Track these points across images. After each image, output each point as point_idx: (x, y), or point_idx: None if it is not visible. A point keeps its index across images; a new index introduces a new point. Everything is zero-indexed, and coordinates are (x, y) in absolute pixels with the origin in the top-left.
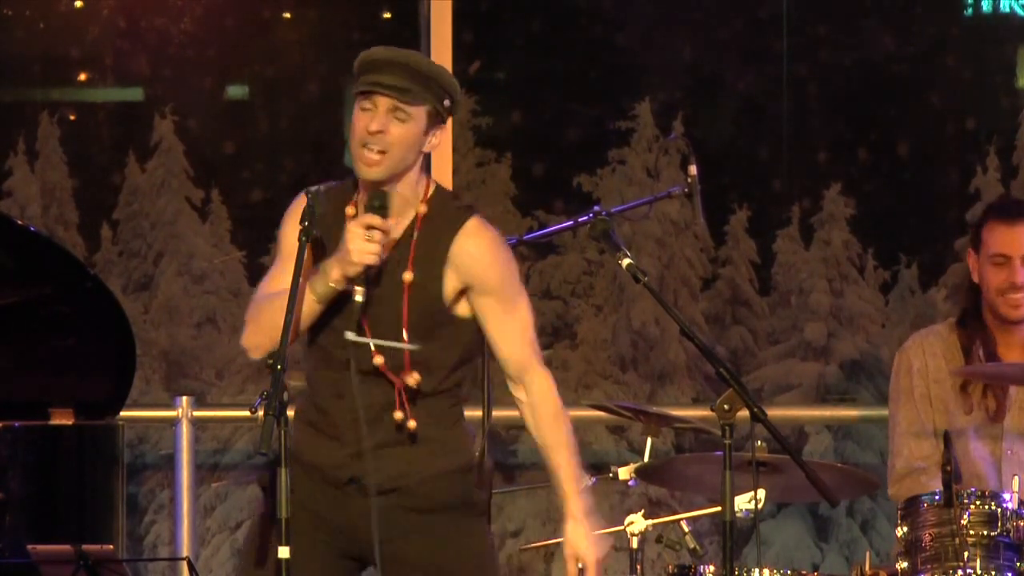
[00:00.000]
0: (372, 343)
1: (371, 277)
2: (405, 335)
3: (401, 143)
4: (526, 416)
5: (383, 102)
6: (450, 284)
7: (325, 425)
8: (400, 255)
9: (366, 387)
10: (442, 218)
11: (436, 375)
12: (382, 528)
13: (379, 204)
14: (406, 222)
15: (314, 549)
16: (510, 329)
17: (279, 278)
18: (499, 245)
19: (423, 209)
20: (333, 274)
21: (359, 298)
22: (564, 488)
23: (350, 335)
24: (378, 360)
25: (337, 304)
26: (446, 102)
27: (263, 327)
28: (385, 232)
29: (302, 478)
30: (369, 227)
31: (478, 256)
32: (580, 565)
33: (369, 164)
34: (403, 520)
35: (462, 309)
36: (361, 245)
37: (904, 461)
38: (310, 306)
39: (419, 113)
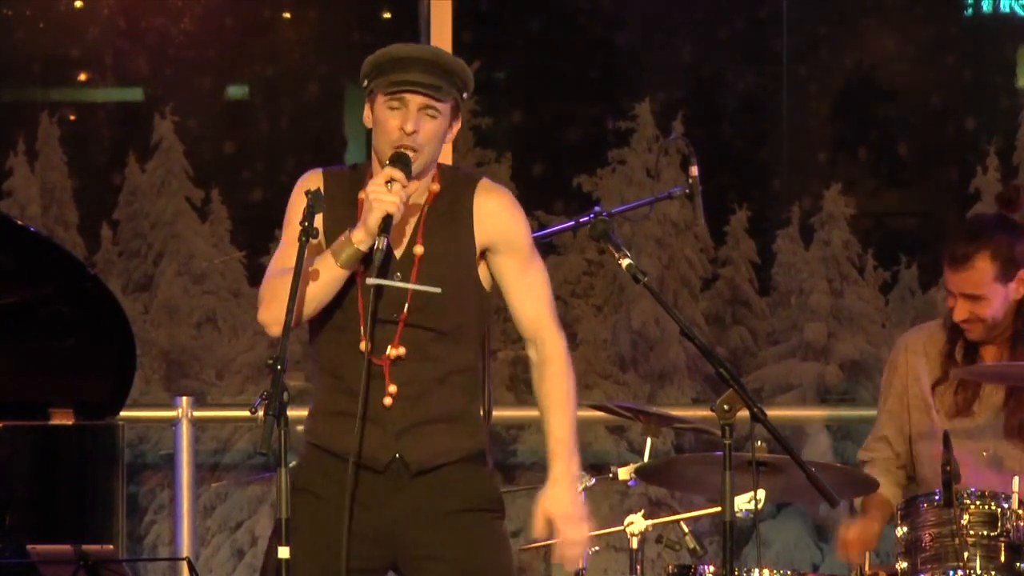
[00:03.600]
0: (395, 285)
1: (384, 257)
2: (405, 308)
3: (433, 140)
4: (535, 376)
5: (415, 100)
6: (477, 244)
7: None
8: (412, 232)
9: (410, 362)
10: (454, 187)
11: (462, 347)
12: (417, 528)
13: (402, 160)
14: (421, 202)
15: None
16: (528, 287)
17: (292, 253)
18: (515, 201)
19: (435, 187)
20: (356, 235)
21: (381, 247)
22: (556, 451)
23: (371, 280)
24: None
25: (357, 285)
26: (464, 94)
27: (282, 301)
28: (404, 186)
29: (332, 470)
30: (390, 180)
31: (499, 212)
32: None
33: None
34: (438, 520)
35: (483, 274)
36: (382, 195)
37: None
38: (332, 275)
39: (446, 108)
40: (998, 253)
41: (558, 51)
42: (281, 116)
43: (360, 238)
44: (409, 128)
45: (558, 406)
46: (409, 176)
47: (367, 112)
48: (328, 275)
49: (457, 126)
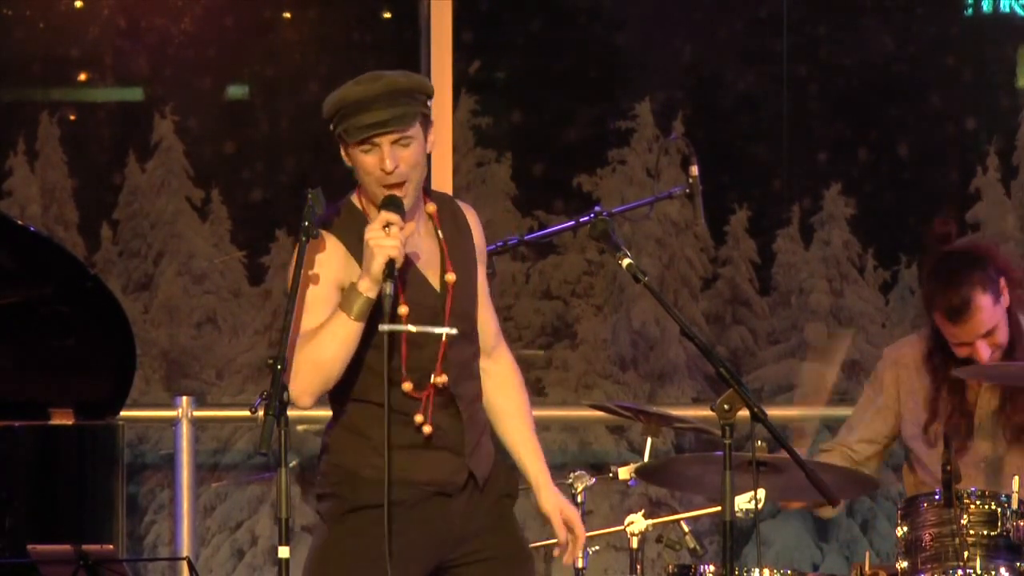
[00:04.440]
0: (409, 328)
1: (415, 284)
2: (444, 335)
3: (417, 164)
4: (490, 386)
5: (384, 140)
6: (477, 262)
7: (434, 439)
8: (440, 260)
9: (463, 387)
10: (446, 206)
11: (476, 362)
12: (468, 525)
13: (394, 203)
14: (428, 224)
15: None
16: (488, 300)
17: (315, 315)
18: None
19: (432, 207)
20: (362, 284)
21: (388, 291)
22: (531, 456)
23: (384, 327)
24: (441, 380)
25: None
26: (429, 103)
27: (309, 371)
28: (402, 228)
29: (406, 496)
30: (387, 224)
31: (479, 228)
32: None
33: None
34: (483, 515)
35: None
36: (382, 240)
37: (829, 442)
38: (349, 330)
39: (417, 130)
40: (985, 283)
41: (558, 51)
42: (281, 116)
43: (367, 286)
44: (388, 167)
45: (525, 414)
46: (404, 217)
47: (343, 153)
48: (344, 331)
49: (433, 134)
